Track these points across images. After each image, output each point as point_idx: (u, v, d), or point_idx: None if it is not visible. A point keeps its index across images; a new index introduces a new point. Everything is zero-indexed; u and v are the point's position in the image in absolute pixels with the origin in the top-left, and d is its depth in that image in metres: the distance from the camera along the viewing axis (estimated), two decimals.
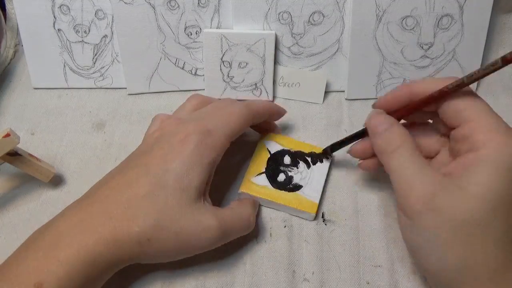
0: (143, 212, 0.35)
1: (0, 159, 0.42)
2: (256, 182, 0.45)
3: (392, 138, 0.36)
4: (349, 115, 0.53)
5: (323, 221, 0.45)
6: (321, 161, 0.46)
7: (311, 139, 0.51)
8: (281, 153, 0.46)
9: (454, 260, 0.31)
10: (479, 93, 0.55)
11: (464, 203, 0.31)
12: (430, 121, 0.40)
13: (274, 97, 0.55)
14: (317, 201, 0.44)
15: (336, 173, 0.48)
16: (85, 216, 0.35)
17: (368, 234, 0.44)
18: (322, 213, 0.45)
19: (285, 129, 0.52)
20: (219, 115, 0.41)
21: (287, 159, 0.46)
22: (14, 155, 0.42)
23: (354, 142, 0.42)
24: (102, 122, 0.53)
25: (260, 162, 0.46)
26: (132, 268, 0.39)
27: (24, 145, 0.45)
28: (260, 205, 0.45)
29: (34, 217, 0.45)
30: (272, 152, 0.46)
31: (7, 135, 0.40)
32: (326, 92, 0.54)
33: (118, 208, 0.35)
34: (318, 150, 0.47)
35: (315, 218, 0.44)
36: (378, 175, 0.48)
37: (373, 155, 0.39)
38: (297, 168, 0.46)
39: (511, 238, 0.31)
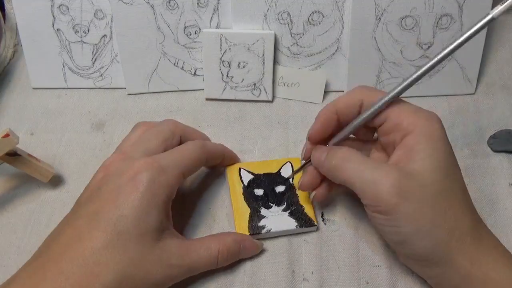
0: (103, 267, 0.32)
1: None
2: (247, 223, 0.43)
3: (338, 155, 0.37)
4: None
5: (323, 221, 0.45)
6: (283, 183, 0.45)
7: None
8: (252, 185, 0.45)
9: (439, 231, 0.33)
10: (478, 93, 0.56)
11: (424, 179, 0.34)
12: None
13: (273, 97, 0.55)
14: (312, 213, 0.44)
15: None
16: (39, 279, 0.32)
17: (368, 233, 0.44)
18: (322, 212, 0.45)
19: (285, 128, 0.52)
20: (173, 151, 0.38)
21: (258, 192, 0.45)
22: (13, 155, 0.42)
23: (301, 177, 0.42)
24: (101, 122, 0.53)
25: (238, 198, 0.44)
26: None
27: (23, 145, 0.45)
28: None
29: (33, 217, 0.45)
30: (244, 184, 0.45)
31: (6, 135, 0.40)
32: (326, 92, 0.54)
33: (74, 267, 0.32)
34: (281, 162, 0.47)
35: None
36: None
37: (321, 182, 0.41)
38: (269, 195, 0.44)
39: (468, 197, 0.36)
